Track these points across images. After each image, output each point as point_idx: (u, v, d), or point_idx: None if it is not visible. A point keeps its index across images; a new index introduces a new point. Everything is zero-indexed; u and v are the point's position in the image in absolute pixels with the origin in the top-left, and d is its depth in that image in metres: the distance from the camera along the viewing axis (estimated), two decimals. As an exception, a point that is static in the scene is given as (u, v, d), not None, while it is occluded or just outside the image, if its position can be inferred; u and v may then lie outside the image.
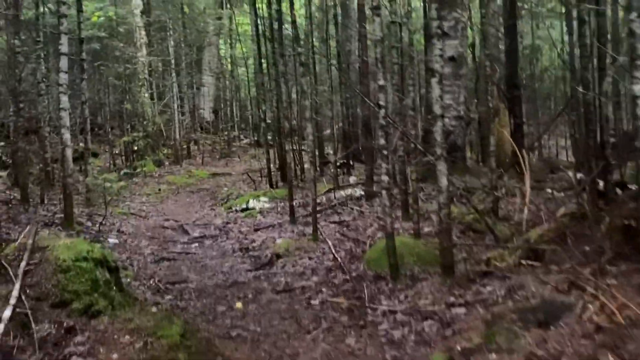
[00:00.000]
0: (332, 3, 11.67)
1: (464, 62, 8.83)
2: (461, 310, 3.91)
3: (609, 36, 6.25)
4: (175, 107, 15.21)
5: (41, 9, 8.79)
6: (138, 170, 13.10)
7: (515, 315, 3.38)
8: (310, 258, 5.55)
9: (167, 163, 14.59)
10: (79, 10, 8.71)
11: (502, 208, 6.70)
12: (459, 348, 3.28)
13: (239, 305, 4.52)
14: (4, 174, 10.92)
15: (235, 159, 16.11)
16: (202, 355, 3.38)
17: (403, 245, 5.00)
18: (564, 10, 8.23)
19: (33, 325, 2.96)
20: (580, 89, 4.85)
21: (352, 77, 11.54)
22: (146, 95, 15.14)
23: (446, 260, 4.44)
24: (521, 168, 8.62)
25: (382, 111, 4.63)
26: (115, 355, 2.94)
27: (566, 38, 7.18)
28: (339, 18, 11.50)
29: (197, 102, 19.19)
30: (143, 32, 15.12)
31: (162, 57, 16.57)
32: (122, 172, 13.02)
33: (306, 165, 11.48)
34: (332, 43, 12.43)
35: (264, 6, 10.77)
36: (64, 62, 6.47)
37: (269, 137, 11.91)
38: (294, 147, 9.58)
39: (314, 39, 10.80)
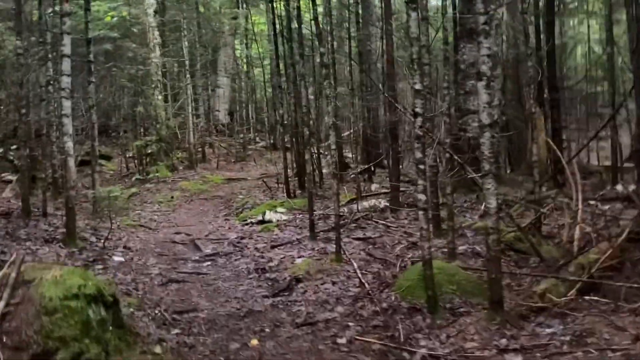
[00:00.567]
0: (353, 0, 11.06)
1: (498, 62, 8.19)
2: (517, 359, 3.29)
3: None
4: (189, 109, 14.75)
5: (44, 9, 8.33)
6: (151, 175, 12.66)
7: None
8: (333, 283, 4.97)
9: (181, 168, 14.13)
10: (87, 9, 8.23)
11: (545, 224, 6.06)
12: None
13: (254, 342, 3.95)
14: (14, 178, 10.54)
15: (250, 163, 15.61)
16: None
17: (440, 272, 4.39)
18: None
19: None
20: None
21: (373, 78, 10.93)
22: (159, 97, 14.69)
23: (495, 293, 3.82)
24: (558, 178, 7.97)
25: (419, 120, 4.03)
26: None
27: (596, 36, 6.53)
28: (360, 14, 10.86)
29: (212, 104, 18.74)
30: (156, 33, 14.67)
31: (177, 58, 16.14)
32: (134, 178, 12.60)
33: (324, 170, 10.90)
34: (351, 43, 11.84)
35: (282, 5, 10.22)
36: (66, 64, 5.97)
37: (286, 140, 11.35)
38: (313, 153, 9.02)
39: (333, 38, 10.19)
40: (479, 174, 3.91)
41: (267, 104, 18.51)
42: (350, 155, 12.92)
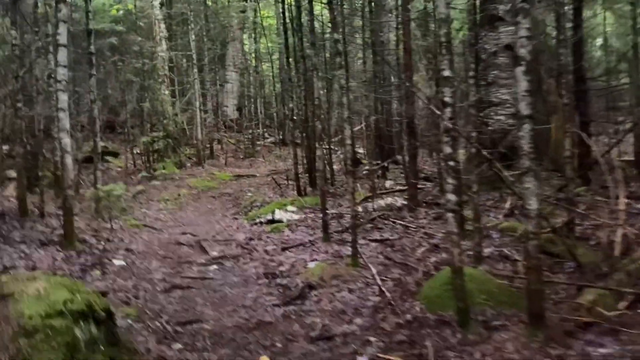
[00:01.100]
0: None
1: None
2: (567, 385, 2.86)
3: None
4: (197, 104, 14.38)
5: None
6: (158, 172, 12.30)
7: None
8: (350, 290, 4.55)
9: (188, 164, 13.78)
10: (87, -1, 7.86)
11: (578, 224, 5.57)
12: None
13: (264, 359, 3.55)
14: (18, 174, 10.21)
15: (259, 159, 15.22)
16: None
17: (470, 280, 3.94)
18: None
19: None
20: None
21: (386, 69, 10.45)
22: (166, 92, 14.32)
23: (535, 305, 3.37)
24: (588, 174, 7.46)
25: (448, 110, 3.58)
26: None
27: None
28: (372, 3, 10.38)
29: (220, 99, 18.36)
30: (162, 26, 14.30)
31: (184, 52, 15.76)
32: (140, 175, 12.25)
33: (335, 167, 10.47)
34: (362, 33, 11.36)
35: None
36: (62, 55, 5.58)
37: (296, 136, 10.92)
38: (324, 149, 8.58)
39: (345, 25, 9.72)
40: (516, 172, 3.45)
41: (275, 98, 18.11)
42: (361, 150, 12.47)
